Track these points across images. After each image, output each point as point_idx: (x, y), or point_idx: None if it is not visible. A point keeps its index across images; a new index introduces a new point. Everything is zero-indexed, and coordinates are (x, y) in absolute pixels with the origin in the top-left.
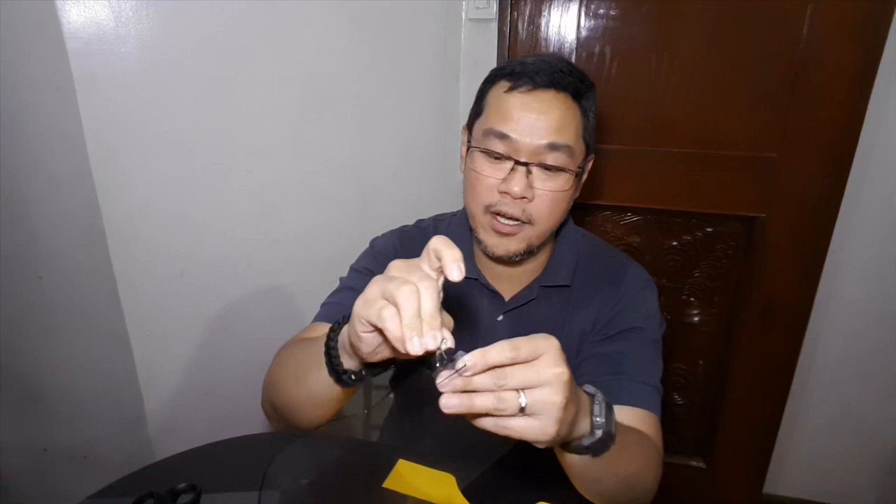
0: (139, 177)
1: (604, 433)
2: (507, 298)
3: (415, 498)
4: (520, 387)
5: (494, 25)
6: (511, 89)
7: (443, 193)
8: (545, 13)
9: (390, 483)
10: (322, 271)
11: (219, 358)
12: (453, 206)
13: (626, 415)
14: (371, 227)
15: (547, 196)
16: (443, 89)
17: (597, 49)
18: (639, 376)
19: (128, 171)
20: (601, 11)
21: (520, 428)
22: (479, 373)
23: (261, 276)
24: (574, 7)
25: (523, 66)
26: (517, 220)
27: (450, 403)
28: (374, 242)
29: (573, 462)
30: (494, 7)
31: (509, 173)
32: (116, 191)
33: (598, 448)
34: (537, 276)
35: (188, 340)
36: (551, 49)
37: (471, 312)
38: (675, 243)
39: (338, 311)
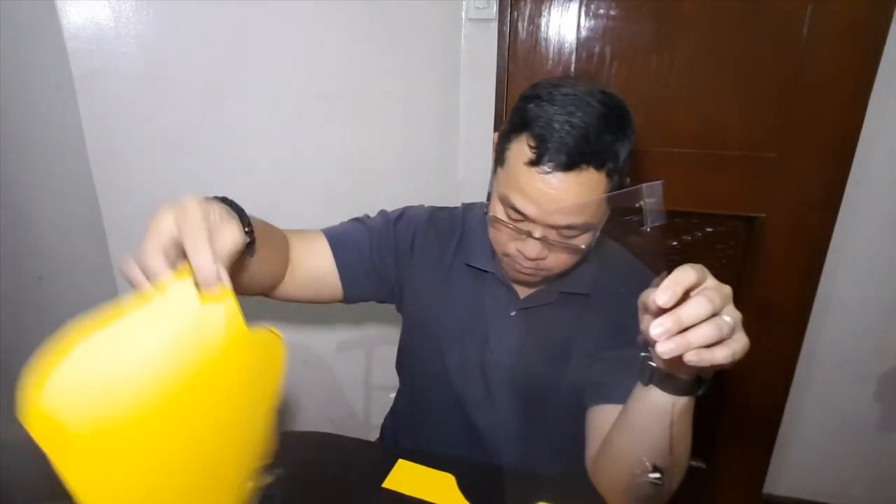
0: (139, 177)
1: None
2: (522, 296)
3: (415, 498)
4: (720, 309)
5: (494, 25)
6: (531, 164)
7: (443, 193)
8: (545, 13)
9: (390, 483)
10: None
11: None
12: (453, 204)
13: None
14: None
15: (563, 254)
16: (443, 89)
17: (597, 49)
18: None
19: (128, 171)
20: (601, 11)
21: (737, 348)
22: (677, 301)
23: None
24: (574, 7)
25: (550, 127)
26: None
27: (667, 348)
28: (408, 207)
29: (677, 408)
30: (494, 7)
31: (524, 238)
32: (116, 191)
33: (708, 386)
34: (556, 280)
35: None
36: (551, 51)
37: (484, 305)
38: (675, 243)
39: (341, 238)
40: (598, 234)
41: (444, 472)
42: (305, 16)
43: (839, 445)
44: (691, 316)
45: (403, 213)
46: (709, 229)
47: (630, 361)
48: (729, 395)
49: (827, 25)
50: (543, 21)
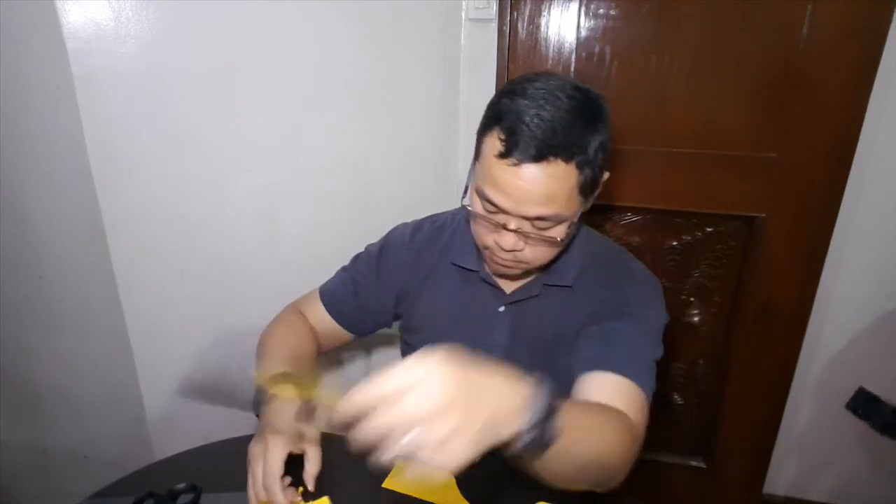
0: (139, 177)
1: (532, 440)
2: (508, 292)
3: (415, 498)
4: (391, 429)
5: (494, 25)
6: (501, 156)
7: (443, 193)
8: (545, 13)
9: (390, 483)
10: (322, 271)
11: (219, 358)
12: (453, 204)
13: (608, 384)
14: (371, 226)
15: (540, 245)
16: (443, 89)
17: (597, 49)
18: (631, 349)
19: (128, 171)
20: (601, 11)
21: (414, 472)
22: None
23: (261, 275)
24: (574, 7)
25: (520, 121)
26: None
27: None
28: (391, 232)
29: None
30: (494, 7)
31: (501, 230)
32: (116, 191)
33: (532, 451)
34: (541, 273)
35: (188, 340)
36: (551, 50)
37: (472, 303)
38: (675, 243)
39: (333, 299)
40: (574, 226)
41: None
42: (305, 16)
43: (839, 445)
44: (365, 439)
45: (385, 243)
46: (709, 229)
47: (607, 332)
48: (729, 394)
49: (827, 25)
50: (543, 21)
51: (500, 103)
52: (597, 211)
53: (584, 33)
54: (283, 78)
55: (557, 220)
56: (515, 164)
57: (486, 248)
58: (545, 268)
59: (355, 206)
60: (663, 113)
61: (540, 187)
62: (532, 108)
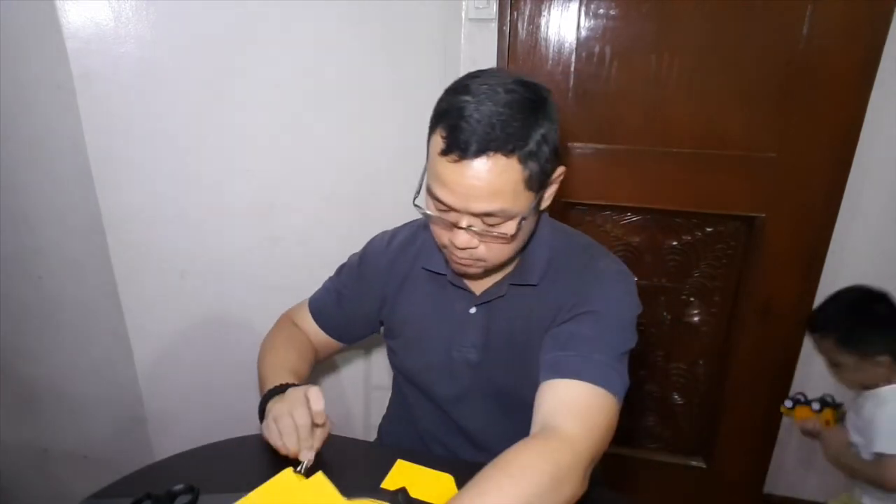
0: (139, 177)
1: None
2: (477, 293)
3: (413, 498)
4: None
5: (494, 25)
6: (444, 153)
7: None
8: (545, 13)
9: (389, 483)
10: (322, 271)
11: (219, 358)
12: None
13: (561, 392)
14: (371, 226)
15: (493, 243)
16: (442, 89)
17: (597, 49)
18: (589, 350)
19: (128, 171)
20: (601, 11)
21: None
22: None
23: (260, 275)
24: (574, 7)
25: (460, 117)
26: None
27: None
28: (370, 240)
29: None
30: (494, 7)
31: (454, 229)
32: (116, 191)
33: None
34: (508, 273)
35: (188, 340)
36: (551, 50)
37: (444, 306)
38: (675, 243)
39: (320, 309)
40: (528, 222)
41: (442, 473)
42: (305, 15)
43: None
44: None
45: (365, 252)
46: (709, 229)
47: (564, 336)
48: (729, 394)
49: (827, 25)
50: (543, 21)
51: (444, 101)
52: (597, 211)
53: (584, 33)
54: (283, 78)
55: (506, 216)
56: (457, 161)
57: (444, 247)
58: (507, 265)
59: (355, 206)
60: (663, 113)
61: (483, 182)
62: (472, 104)
